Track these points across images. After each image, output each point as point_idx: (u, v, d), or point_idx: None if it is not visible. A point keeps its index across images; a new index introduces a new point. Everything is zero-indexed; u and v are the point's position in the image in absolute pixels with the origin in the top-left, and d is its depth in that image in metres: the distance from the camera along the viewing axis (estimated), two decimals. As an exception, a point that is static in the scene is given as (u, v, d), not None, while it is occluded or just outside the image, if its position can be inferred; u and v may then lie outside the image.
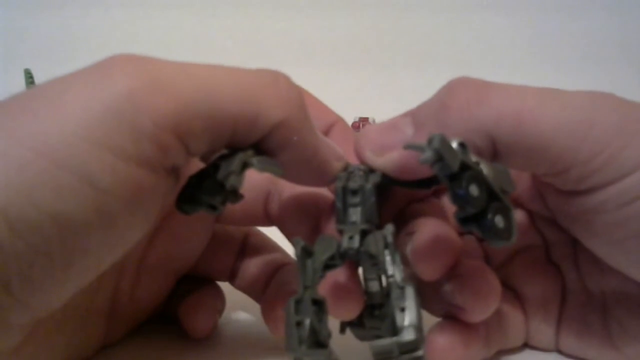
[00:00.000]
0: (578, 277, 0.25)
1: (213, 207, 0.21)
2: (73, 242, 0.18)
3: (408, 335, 0.18)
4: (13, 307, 0.18)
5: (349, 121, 0.46)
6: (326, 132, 0.25)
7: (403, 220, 0.23)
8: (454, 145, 0.19)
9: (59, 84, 0.19)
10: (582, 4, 0.72)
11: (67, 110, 0.18)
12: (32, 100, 0.19)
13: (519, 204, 0.26)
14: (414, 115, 0.22)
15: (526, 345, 0.27)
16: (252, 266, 0.28)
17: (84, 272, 0.19)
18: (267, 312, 0.26)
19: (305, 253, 0.21)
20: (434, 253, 0.22)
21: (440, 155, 0.18)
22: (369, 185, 0.22)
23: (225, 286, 0.29)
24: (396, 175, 0.22)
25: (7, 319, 0.18)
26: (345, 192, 0.22)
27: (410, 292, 0.19)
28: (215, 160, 0.21)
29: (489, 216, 0.19)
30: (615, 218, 0.21)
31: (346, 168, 0.23)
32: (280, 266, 0.27)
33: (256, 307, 0.28)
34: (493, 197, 0.19)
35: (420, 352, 0.18)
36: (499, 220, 0.19)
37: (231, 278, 0.28)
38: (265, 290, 0.27)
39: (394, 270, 0.20)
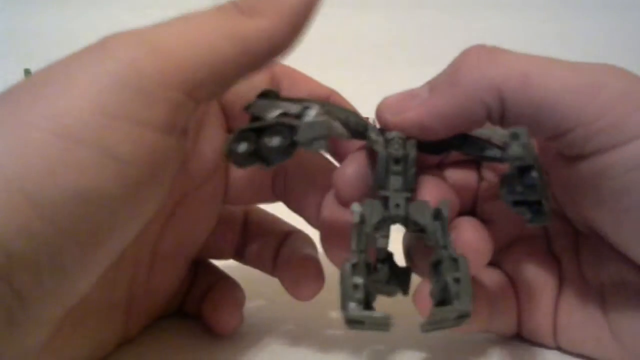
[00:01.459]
0: (577, 267, 0.26)
1: (269, 164, 0.22)
2: (100, 219, 0.18)
3: (466, 305, 0.20)
4: (43, 299, 0.18)
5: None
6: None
7: None
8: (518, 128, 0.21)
9: (60, 67, 0.19)
10: (583, 4, 0.71)
11: (76, 89, 0.18)
12: (40, 86, 0.19)
13: None
14: (430, 82, 0.24)
15: (525, 340, 0.27)
16: (259, 239, 0.28)
17: (109, 252, 0.20)
18: (284, 277, 0.27)
19: (362, 219, 0.22)
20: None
21: (526, 150, 0.20)
22: (412, 155, 0.23)
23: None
24: (412, 133, 0.23)
25: (38, 311, 0.18)
26: (389, 160, 0.23)
27: (464, 264, 0.21)
28: (276, 118, 0.22)
29: (543, 202, 0.21)
30: (621, 184, 0.21)
31: (384, 133, 0.24)
32: (286, 235, 0.28)
33: (268, 293, 0.28)
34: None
35: (469, 319, 0.20)
36: (545, 204, 0.21)
37: (238, 255, 0.29)
38: (275, 260, 0.27)
39: (446, 242, 0.21)
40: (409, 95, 0.24)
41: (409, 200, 0.23)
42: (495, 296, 0.26)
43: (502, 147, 0.22)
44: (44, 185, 0.17)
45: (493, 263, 0.27)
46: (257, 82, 0.25)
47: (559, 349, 0.26)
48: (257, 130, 0.22)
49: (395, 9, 0.75)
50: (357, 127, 0.24)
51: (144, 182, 0.19)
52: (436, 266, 0.21)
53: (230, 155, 0.22)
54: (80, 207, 0.18)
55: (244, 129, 0.22)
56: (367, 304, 0.21)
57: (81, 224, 0.18)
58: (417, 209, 0.22)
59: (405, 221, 0.23)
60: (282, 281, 0.27)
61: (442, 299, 0.21)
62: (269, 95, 0.24)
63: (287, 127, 0.21)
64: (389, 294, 0.23)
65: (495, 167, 0.26)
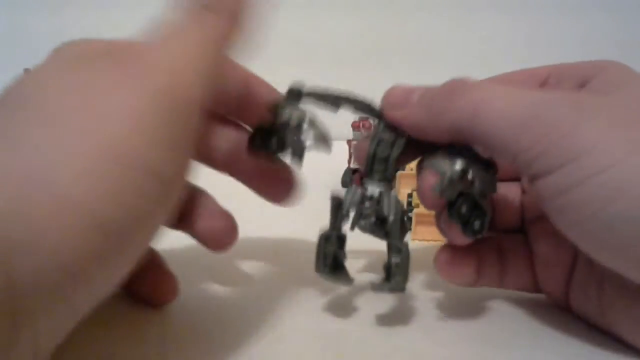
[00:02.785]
0: None
1: (274, 154, 0.28)
2: (147, 235, 0.21)
3: (398, 285, 0.27)
4: (92, 304, 0.20)
5: (349, 121, 0.46)
6: (245, 86, 0.29)
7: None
8: (458, 167, 0.26)
9: (85, 92, 0.20)
10: (582, 3, 0.72)
11: (119, 116, 0.20)
12: (79, 111, 0.20)
13: None
14: (424, 93, 0.27)
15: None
16: None
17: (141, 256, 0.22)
18: (200, 231, 0.28)
19: (338, 204, 0.28)
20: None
21: (444, 191, 0.26)
22: (393, 156, 0.28)
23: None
24: (398, 126, 0.27)
25: (84, 313, 0.20)
26: (375, 158, 0.28)
27: (405, 252, 0.27)
28: (277, 125, 0.28)
29: (471, 220, 0.27)
30: (554, 206, 0.24)
31: (376, 133, 0.28)
32: (192, 194, 0.29)
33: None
34: (476, 206, 0.26)
35: (403, 291, 0.27)
36: (476, 224, 0.27)
37: None
38: (183, 217, 0.28)
39: (398, 235, 0.27)
40: (407, 95, 0.27)
41: (382, 192, 0.28)
42: (507, 258, 0.29)
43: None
44: (109, 208, 0.19)
45: (520, 231, 0.30)
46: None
47: (571, 310, 0.28)
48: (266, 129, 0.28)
49: (394, 10, 0.75)
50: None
51: (177, 196, 0.22)
52: (389, 248, 0.27)
53: (249, 146, 0.28)
54: (136, 226, 0.20)
55: (258, 127, 0.28)
56: (339, 265, 0.28)
57: (135, 241, 0.20)
58: (386, 203, 0.27)
59: (376, 209, 0.28)
60: (197, 235, 0.28)
61: (388, 273, 0.27)
62: (293, 92, 0.28)
63: (281, 135, 0.27)
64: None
65: None
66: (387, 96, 0.28)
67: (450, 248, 0.28)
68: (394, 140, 0.28)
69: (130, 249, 0.20)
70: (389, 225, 0.27)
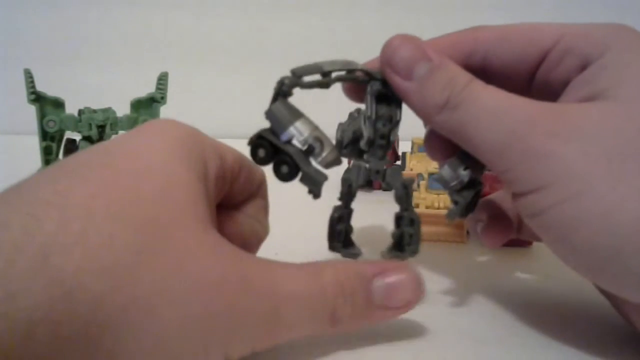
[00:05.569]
0: None
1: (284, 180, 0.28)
2: None
3: (414, 251, 0.29)
4: None
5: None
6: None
7: None
8: (462, 170, 0.28)
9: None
10: (582, 3, 0.72)
11: None
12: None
13: None
14: (425, 75, 0.26)
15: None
16: None
17: None
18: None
19: (349, 185, 0.29)
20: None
21: (443, 178, 0.28)
22: (395, 132, 0.28)
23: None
24: (400, 97, 0.27)
25: None
26: (376, 136, 0.28)
27: (417, 223, 0.29)
28: (285, 146, 0.27)
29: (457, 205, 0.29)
30: (530, 223, 0.25)
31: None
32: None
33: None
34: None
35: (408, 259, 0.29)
36: (457, 208, 0.29)
37: None
38: None
39: (408, 205, 0.29)
40: (413, 63, 0.26)
41: (386, 165, 0.29)
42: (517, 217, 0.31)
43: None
44: None
45: None
46: None
47: None
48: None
49: (393, 10, 0.76)
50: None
51: None
52: (398, 219, 0.30)
53: (254, 157, 0.27)
54: None
55: (262, 137, 0.27)
56: (347, 240, 0.30)
57: None
58: (392, 175, 0.29)
59: (382, 181, 0.30)
60: None
61: (398, 241, 0.30)
62: (285, 97, 0.27)
63: (293, 162, 0.27)
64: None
65: None
66: (391, 55, 0.27)
67: (493, 224, 0.31)
68: (391, 114, 0.28)
69: None
70: (398, 196, 0.29)
